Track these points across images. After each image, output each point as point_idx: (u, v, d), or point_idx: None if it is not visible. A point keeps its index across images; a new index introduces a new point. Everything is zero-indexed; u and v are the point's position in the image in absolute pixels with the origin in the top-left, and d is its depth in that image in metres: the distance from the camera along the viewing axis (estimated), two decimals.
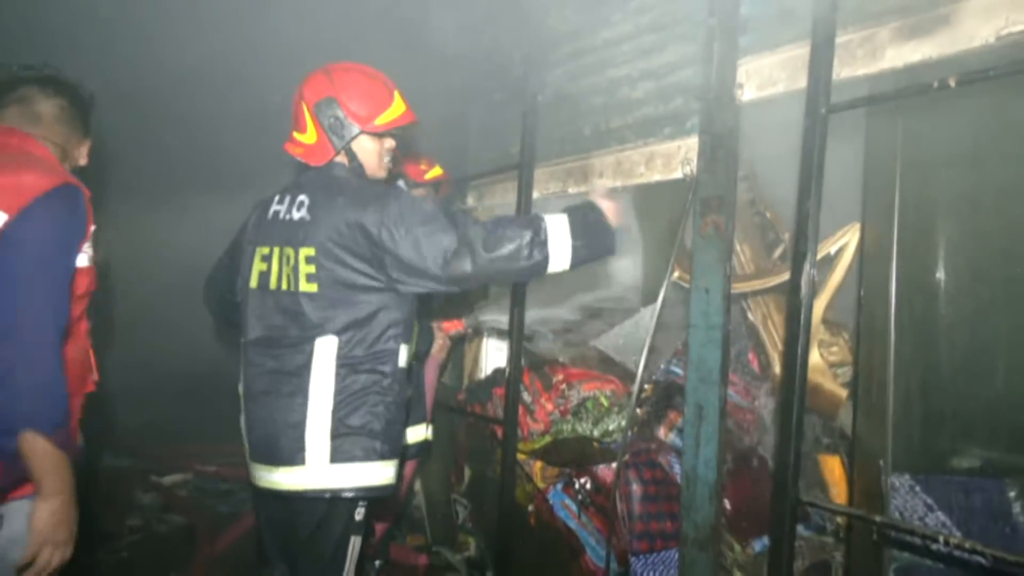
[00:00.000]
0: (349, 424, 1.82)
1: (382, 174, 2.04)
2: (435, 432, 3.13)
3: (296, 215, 1.90)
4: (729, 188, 2.47)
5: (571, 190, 3.29)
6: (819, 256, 2.54)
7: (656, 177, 2.86)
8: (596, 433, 3.06)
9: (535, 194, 3.18)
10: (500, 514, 3.01)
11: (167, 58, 3.52)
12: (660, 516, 2.81)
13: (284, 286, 1.88)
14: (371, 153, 1.98)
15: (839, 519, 2.39)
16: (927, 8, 2.00)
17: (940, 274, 2.29)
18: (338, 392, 1.82)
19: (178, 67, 3.56)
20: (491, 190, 3.86)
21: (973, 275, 2.12)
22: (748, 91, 2.47)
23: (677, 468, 2.81)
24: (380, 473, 1.88)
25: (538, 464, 3.13)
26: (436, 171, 3.11)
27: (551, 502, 2.98)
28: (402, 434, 2.00)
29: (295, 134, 1.99)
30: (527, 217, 1.89)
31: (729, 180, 2.47)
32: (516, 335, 2.94)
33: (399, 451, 1.96)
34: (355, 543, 1.89)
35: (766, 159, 2.73)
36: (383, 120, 1.94)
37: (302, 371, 1.83)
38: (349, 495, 1.83)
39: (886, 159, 2.21)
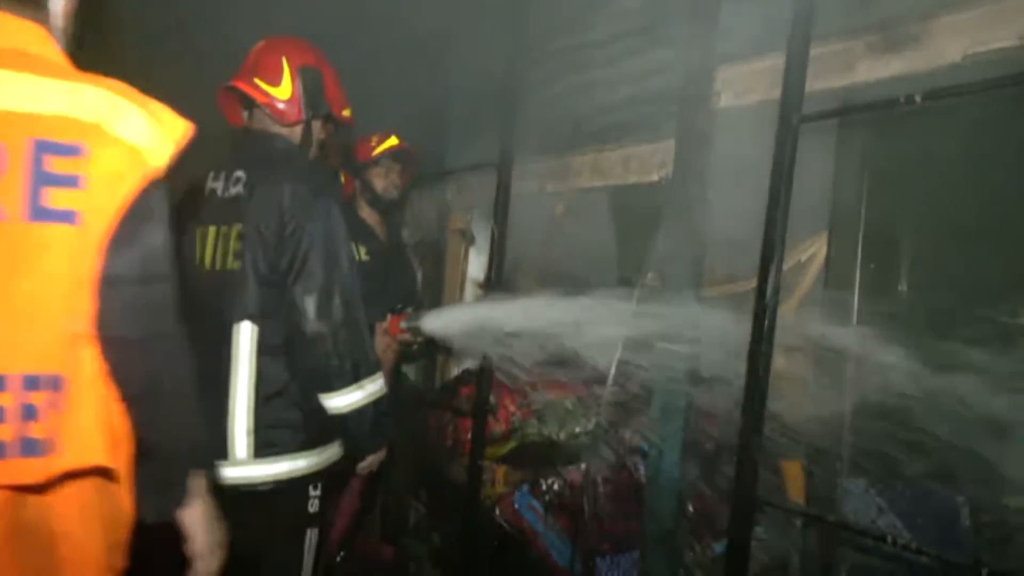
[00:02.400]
0: (271, 417, 1.82)
1: (335, 162, 2.18)
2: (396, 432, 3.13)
3: (232, 191, 1.87)
4: (702, 193, 2.51)
5: (549, 188, 3.31)
6: (790, 263, 2.60)
7: (632, 179, 2.89)
8: (562, 435, 3.10)
9: (513, 192, 3.20)
10: (466, 509, 3.03)
11: None
12: (626, 517, 2.84)
13: (218, 266, 1.86)
14: (316, 141, 2.01)
15: (797, 522, 2.44)
16: (899, 25, 2.05)
17: (902, 286, 2.36)
18: (258, 383, 1.82)
19: None
20: (469, 185, 3.87)
21: (934, 286, 2.18)
22: (724, 98, 2.51)
23: (642, 470, 2.85)
24: (306, 463, 1.86)
25: (502, 469, 3.15)
26: (390, 141, 3.05)
27: (516, 505, 3.00)
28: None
29: (262, 82, 1.94)
30: (369, 359, 1.89)
31: (703, 185, 2.51)
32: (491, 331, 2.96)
33: (329, 439, 1.94)
34: (311, 536, 1.88)
35: (738, 166, 2.78)
36: (347, 113, 2.06)
37: (224, 359, 1.82)
38: (277, 487, 1.82)
39: (854, 171, 2.26)
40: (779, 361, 2.45)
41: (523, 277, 3.38)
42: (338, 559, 3.16)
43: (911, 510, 2.06)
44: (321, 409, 1.87)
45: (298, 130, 1.97)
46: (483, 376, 2.96)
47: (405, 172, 3.19)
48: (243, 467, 1.81)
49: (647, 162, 2.82)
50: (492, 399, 3.26)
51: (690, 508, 2.74)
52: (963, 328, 2.07)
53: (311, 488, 1.90)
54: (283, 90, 1.91)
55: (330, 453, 1.96)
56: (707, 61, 2.51)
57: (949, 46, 1.96)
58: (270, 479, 1.81)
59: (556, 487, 3.00)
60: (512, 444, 3.16)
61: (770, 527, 2.66)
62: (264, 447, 1.81)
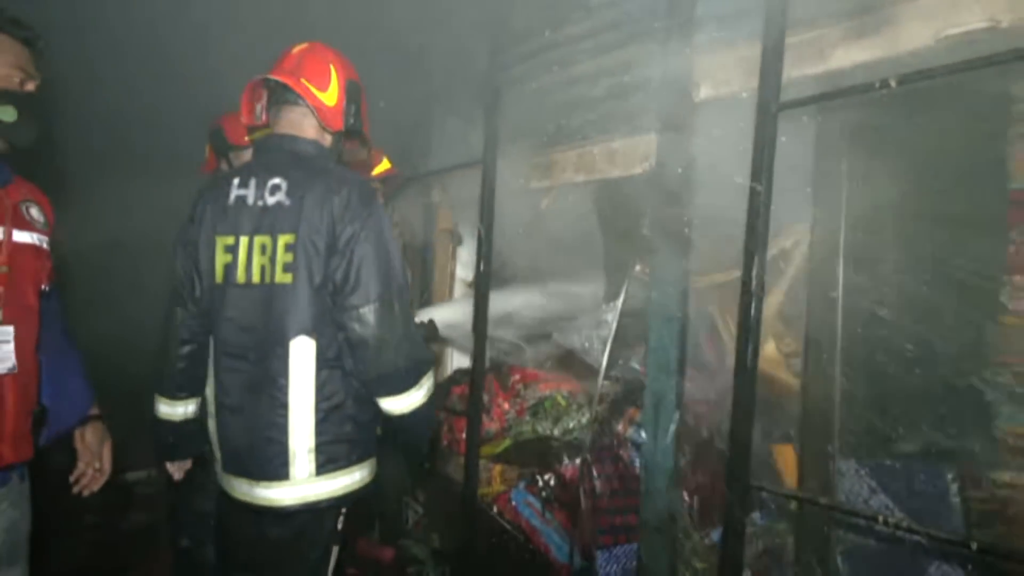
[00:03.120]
0: (331, 432, 1.77)
1: None
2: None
3: (271, 199, 1.77)
4: (686, 184, 2.53)
5: (534, 184, 3.32)
6: (776, 250, 2.63)
7: (616, 173, 2.90)
8: (557, 432, 3.12)
9: (499, 188, 3.22)
10: (464, 507, 3.04)
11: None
12: (623, 510, 2.86)
13: (257, 279, 1.77)
14: (338, 153, 2.02)
15: (792, 506, 2.47)
16: (873, 10, 2.07)
17: (886, 268, 2.38)
18: (319, 400, 1.75)
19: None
20: (456, 185, 3.88)
21: (917, 270, 2.20)
22: (704, 90, 2.52)
23: (638, 463, 2.87)
24: (360, 476, 1.85)
25: (498, 468, 3.16)
26: (384, 165, 3.03)
27: (514, 502, 3.01)
28: (374, 431, 1.94)
29: (309, 84, 1.87)
30: (427, 356, 1.87)
31: (686, 176, 2.53)
32: (480, 329, 2.98)
33: (374, 450, 1.92)
34: (335, 552, 1.86)
35: (720, 156, 2.80)
36: (367, 131, 2.07)
37: (279, 377, 1.74)
38: (333, 504, 1.79)
39: (834, 157, 2.28)
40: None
41: (511, 273, 3.39)
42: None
43: (901, 488, 2.09)
44: (371, 420, 1.86)
45: (330, 139, 1.94)
46: (476, 375, 2.97)
47: (387, 190, 3.20)
48: (303, 485, 1.76)
49: (630, 155, 2.84)
50: (486, 398, 3.27)
51: (686, 497, 2.77)
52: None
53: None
54: (330, 96, 1.90)
55: (375, 465, 1.94)
56: (686, 53, 2.53)
57: (922, 30, 1.98)
58: (332, 495, 1.78)
59: (552, 483, 3.02)
60: (507, 442, 3.18)
61: (768, 512, 2.69)
62: (326, 463, 1.76)
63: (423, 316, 2.14)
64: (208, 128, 2.72)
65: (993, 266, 1.97)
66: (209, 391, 1.91)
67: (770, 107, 2.06)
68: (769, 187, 2.04)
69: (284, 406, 1.73)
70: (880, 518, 1.75)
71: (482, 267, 3.01)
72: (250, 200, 1.79)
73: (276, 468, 1.74)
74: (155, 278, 2.36)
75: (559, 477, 3.01)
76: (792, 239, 2.52)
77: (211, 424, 1.91)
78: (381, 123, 3.43)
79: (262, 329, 1.75)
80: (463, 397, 3.18)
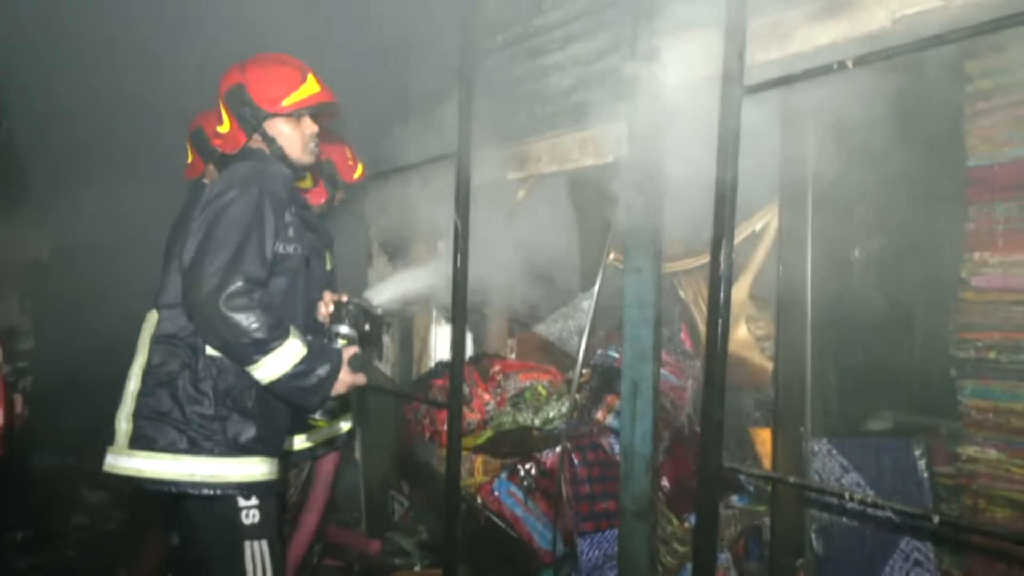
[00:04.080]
0: (150, 409, 1.82)
1: (307, 159, 2.02)
2: (376, 425, 3.14)
3: None
4: (657, 170, 2.54)
5: (509, 176, 3.33)
6: (745, 234, 2.65)
7: (589, 161, 2.92)
8: (537, 422, 3.13)
9: (474, 181, 3.22)
10: (447, 497, 3.05)
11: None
12: (604, 496, 2.89)
13: None
14: (290, 138, 1.97)
15: (769, 487, 2.50)
16: None
17: (855, 252, 2.41)
18: (146, 371, 1.84)
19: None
20: (432, 176, 3.88)
21: (881, 250, 2.22)
22: (672, 75, 2.54)
23: (618, 449, 2.90)
24: (192, 469, 1.77)
25: (480, 459, 3.18)
26: (359, 171, 3.05)
27: (496, 492, 3.03)
28: (233, 429, 1.83)
29: (216, 127, 2.01)
30: (276, 324, 1.74)
31: (656, 163, 2.54)
32: (459, 315, 2.98)
33: (229, 447, 1.80)
34: (254, 548, 1.81)
35: (689, 141, 2.82)
36: (292, 100, 1.93)
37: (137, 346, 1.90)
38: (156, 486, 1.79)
39: (799, 140, 2.30)
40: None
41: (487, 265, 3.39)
42: (315, 559, 3.18)
43: (871, 466, 2.12)
44: (219, 418, 1.84)
45: (260, 143, 2.00)
46: (455, 367, 2.98)
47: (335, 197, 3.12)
48: (119, 455, 1.85)
49: (602, 144, 2.85)
50: (467, 389, 3.29)
51: (665, 482, 2.79)
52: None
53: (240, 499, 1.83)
54: (224, 124, 1.98)
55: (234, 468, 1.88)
56: (653, 39, 2.54)
57: (879, 11, 2.00)
58: (153, 476, 1.83)
59: (534, 472, 3.04)
60: (488, 433, 3.19)
61: (746, 495, 2.72)
62: (139, 439, 1.84)
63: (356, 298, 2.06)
64: (188, 130, 2.69)
65: (954, 243, 1.99)
66: None
67: (734, 91, 2.07)
68: (734, 171, 2.05)
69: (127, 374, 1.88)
70: (847, 495, 1.76)
71: (459, 259, 3.01)
72: None
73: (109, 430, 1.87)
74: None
75: (540, 466, 3.03)
76: (762, 222, 2.54)
77: None
78: (357, 115, 3.45)
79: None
80: (444, 389, 3.19)
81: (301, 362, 1.76)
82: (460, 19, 3.13)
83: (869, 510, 1.96)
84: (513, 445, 3.12)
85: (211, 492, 1.77)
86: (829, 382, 2.25)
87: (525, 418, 3.16)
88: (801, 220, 2.28)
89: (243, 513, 1.81)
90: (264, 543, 1.82)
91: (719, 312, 2.03)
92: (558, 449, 2.95)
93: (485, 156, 3.36)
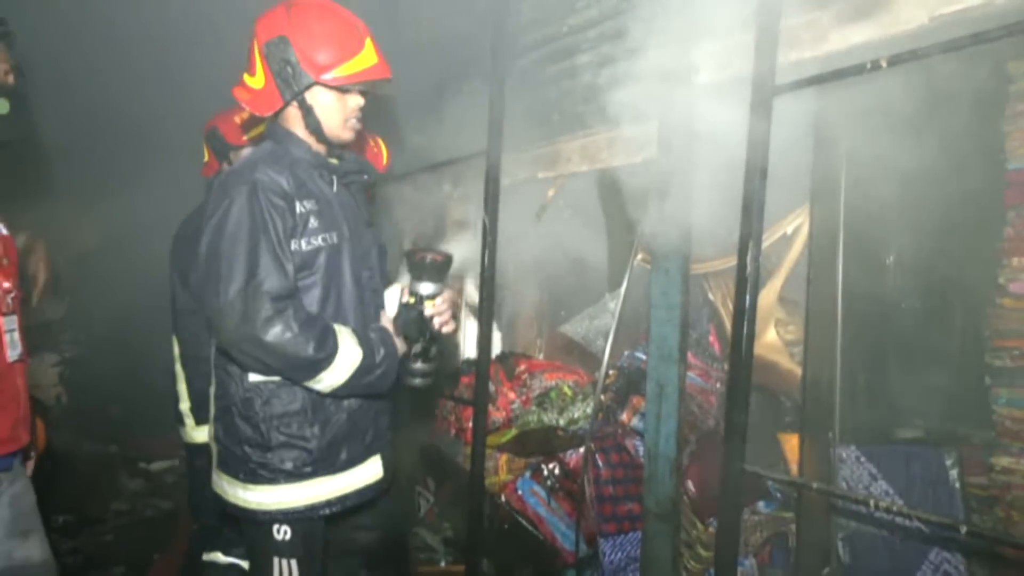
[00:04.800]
0: (222, 432, 1.72)
1: (347, 136, 1.73)
2: (402, 421, 3.15)
3: None
4: (686, 170, 2.52)
5: (540, 175, 3.33)
6: (775, 236, 2.61)
7: (619, 161, 2.91)
8: (562, 422, 3.13)
9: (504, 180, 3.24)
10: (471, 495, 3.07)
11: None
12: (627, 498, 2.88)
13: None
14: (331, 110, 1.67)
15: (795, 494, 2.46)
16: None
17: (889, 252, 2.36)
18: (215, 397, 1.74)
19: None
20: (465, 177, 3.91)
21: (916, 254, 2.17)
22: (704, 74, 2.51)
23: (642, 451, 2.88)
24: (257, 499, 1.67)
25: (504, 457, 3.19)
26: (255, 132, 2.64)
27: (520, 491, 3.04)
28: (288, 455, 1.68)
29: (245, 76, 1.70)
30: (322, 335, 1.57)
31: (686, 162, 2.52)
32: (486, 312, 3.00)
33: (287, 474, 1.66)
34: (281, 565, 1.69)
35: (720, 141, 2.79)
36: (344, 71, 1.62)
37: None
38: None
39: (833, 140, 2.26)
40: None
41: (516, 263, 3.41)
42: None
43: (901, 474, 2.07)
44: (276, 446, 1.71)
45: (295, 108, 1.71)
46: (481, 365, 3.00)
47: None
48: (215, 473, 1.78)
49: (632, 143, 2.84)
50: (492, 388, 3.30)
51: (691, 486, 2.77)
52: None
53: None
54: (258, 79, 1.67)
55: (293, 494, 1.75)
56: (685, 38, 2.52)
57: (916, 10, 1.95)
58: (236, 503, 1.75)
59: (557, 472, 3.04)
60: (513, 432, 3.20)
61: (772, 500, 2.68)
62: (222, 464, 1.78)
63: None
64: (203, 130, 2.72)
65: (991, 248, 1.94)
66: None
67: (765, 90, 2.04)
68: (763, 172, 2.02)
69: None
70: (872, 502, 1.73)
71: (487, 257, 3.03)
72: None
73: None
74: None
75: (564, 466, 3.03)
76: (793, 224, 2.50)
77: None
78: (393, 110, 3.49)
79: None
80: (470, 387, 3.21)
81: (359, 366, 1.61)
82: (493, 18, 3.15)
83: (897, 519, 1.92)
84: (537, 444, 3.13)
85: (273, 518, 1.68)
86: (858, 388, 2.20)
87: (550, 418, 3.16)
88: (833, 223, 2.24)
89: (276, 529, 1.70)
90: (290, 561, 1.70)
91: (744, 314, 2.01)
92: (582, 450, 2.95)
93: (516, 155, 3.37)
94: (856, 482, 2.15)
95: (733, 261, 2.77)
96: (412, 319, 1.76)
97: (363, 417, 1.76)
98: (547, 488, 3.02)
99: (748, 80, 2.21)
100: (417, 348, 1.77)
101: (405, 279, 1.83)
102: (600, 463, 2.90)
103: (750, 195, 2.05)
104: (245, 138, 2.51)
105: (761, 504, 2.67)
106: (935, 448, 2.06)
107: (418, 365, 1.78)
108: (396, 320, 1.79)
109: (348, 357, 1.60)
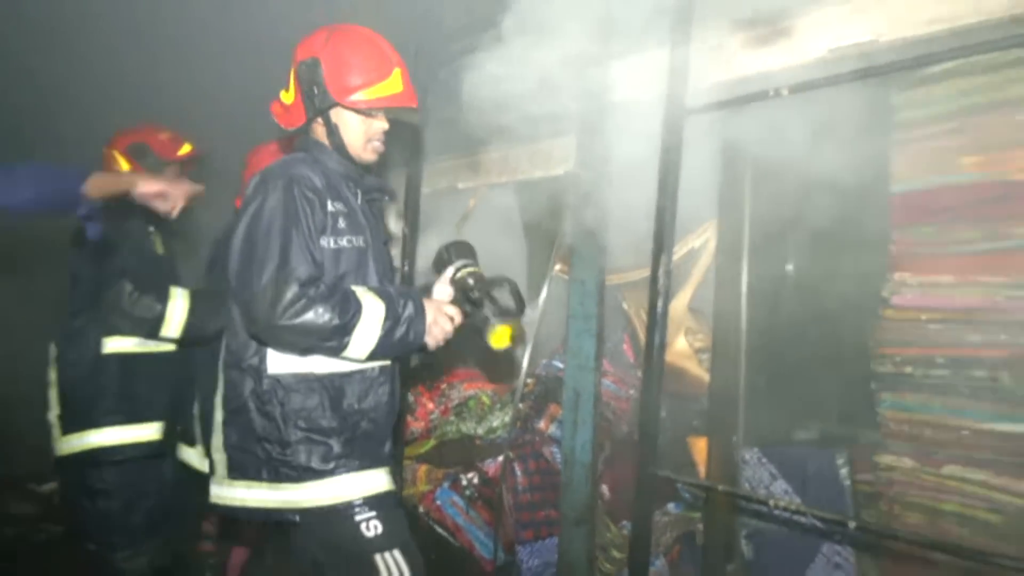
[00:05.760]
0: (236, 437, 1.70)
1: (368, 156, 1.80)
2: None
3: None
4: (603, 184, 2.61)
5: (460, 185, 3.36)
6: (685, 249, 2.73)
7: (539, 173, 2.97)
8: (480, 431, 3.16)
9: (425, 189, 3.24)
10: None
11: None
12: (545, 505, 2.92)
13: None
14: (354, 131, 1.75)
15: (702, 495, 2.57)
16: (771, 22, 2.19)
17: (789, 266, 2.51)
18: (225, 400, 1.72)
19: None
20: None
21: (812, 269, 2.33)
22: (620, 93, 2.61)
23: (559, 458, 2.94)
24: (287, 496, 1.66)
25: (423, 468, 3.17)
26: (186, 148, 2.61)
27: (439, 501, 3.03)
28: (314, 450, 1.68)
29: (282, 92, 1.81)
30: (344, 300, 1.59)
31: (603, 177, 2.61)
32: None
33: (314, 470, 1.66)
34: (388, 560, 1.66)
35: (635, 158, 2.91)
36: (366, 95, 1.71)
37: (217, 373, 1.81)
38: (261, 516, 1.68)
39: (739, 160, 2.39)
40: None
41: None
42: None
43: (798, 473, 2.21)
44: (296, 441, 1.71)
45: (320, 125, 1.80)
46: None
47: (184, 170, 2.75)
48: (222, 485, 1.73)
49: (551, 157, 2.91)
50: (410, 398, 3.28)
51: (605, 490, 2.85)
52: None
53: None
54: (290, 94, 1.78)
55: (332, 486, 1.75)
56: (603, 56, 2.61)
57: (816, 42, 2.11)
58: (253, 506, 1.71)
59: (476, 481, 3.05)
60: (431, 442, 3.20)
61: (682, 502, 2.79)
62: (234, 470, 1.74)
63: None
64: (117, 146, 2.49)
65: (878, 263, 2.11)
66: None
67: (677, 111, 2.15)
68: (674, 188, 2.12)
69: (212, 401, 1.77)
70: (772, 502, 1.84)
71: (406, 267, 3.02)
72: None
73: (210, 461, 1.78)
74: None
75: (482, 475, 3.05)
76: (702, 238, 2.63)
77: None
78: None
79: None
80: None
81: (386, 318, 1.61)
82: (415, 30, 3.16)
83: (795, 516, 2.05)
84: (456, 454, 3.13)
85: (308, 519, 1.66)
86: (761, 393, 2.34)
87: (469, 427, 3.18)
88: (738, 237, 2.37)
89: (363, 526, 1.67)
90: (396, 552, 1.68)
91: (656, 323, 2.10)
92: (500, 458, 2.98)
93: (437, 165, 3.38)
94: (758, 482, 2.28)
95: (646, 273, 2.89)
96: (460, 291, 1.84)
97: (383, 426, 1.78)
98: (466, 498, 3.03)
99: (662, 100, 2.32)
100: (480, 306, 1.83)
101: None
102: (518, 471, 2.93)
103: (662, 210, 2.14)
104: (179, 154, 2.54)
105: (671, 505, 2.78)
106: (828, 449, 2.21)
107: (490, 315, 1.81)
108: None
109: (372, 313, 1.61)
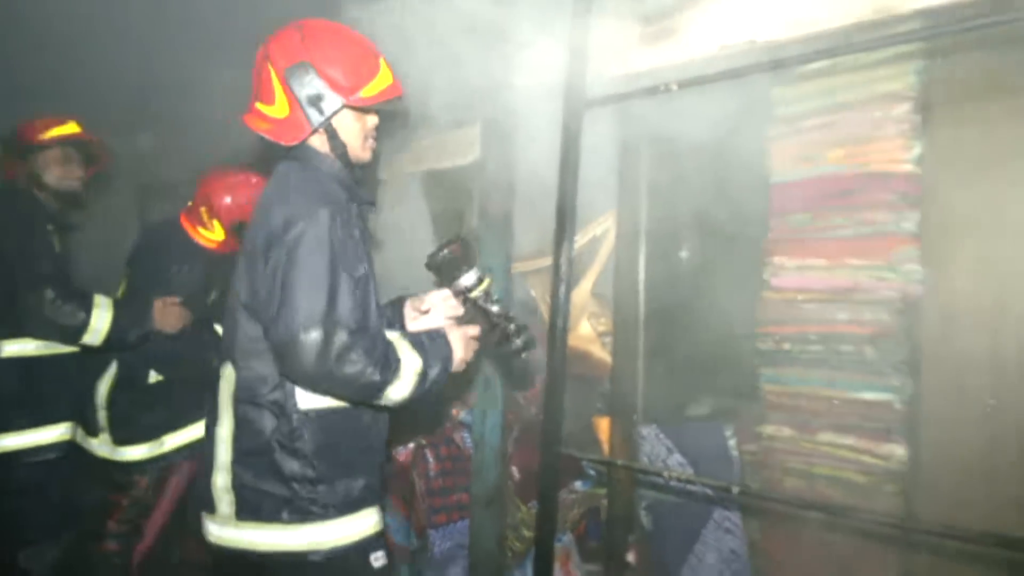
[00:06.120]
0: (248, 477, 1.57)
1: (366, 156, 1.72)
2: None
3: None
4: (508, 173, 2.68)
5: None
6: (587, 237, 2.84)
7: (447, 163, 3.00)
8: None
9: None
10: None
11: None
12: (456, 489, 2.98)
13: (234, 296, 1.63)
14: (353, 132, 1.66)
15: (605, 471, 2.69)
16: (662, 19, 2.30)
17: (683, 253, 2.66)
18: (236, 439, 1.58)
19: None
20: None
21: (702, 255, 2.48)
22: (523, 84, 2.67)
23: (470, 443, 3.00)
24: (306, 538, 1.56)
25: None
26: (69, 128, 2.52)
27: None
28: (340, 486, 1.60)
29: (259, 105, 1.64)
30: (383, 355, 1.51)
31: (508, 166, 2.67)
32: None
33: (338, 507, 1.59)
34: None
35: (539, 148, 2.98)
36: (368, 92, 1.61)
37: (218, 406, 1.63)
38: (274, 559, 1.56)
39: (636, 150, 2.51)
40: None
41: None
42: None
43: (691, 447, 2.36)
44: (316, 479, 1.62)
45: (321, 135, 1.66)
46: None
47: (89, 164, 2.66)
48: (228, 527, 1.59)
49: (458, 146, 2.94)
50: None
51: (515, 472, 2.93)
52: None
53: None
54: (279, 107, 1.62)
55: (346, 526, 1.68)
56: (506, 48, 2.66)
57: (706, 40, 2.24)
58: (266, 549, 1.60)
59: (387, 469, 3.07)
60: None
61: (589, 479, 2.91)
62: (244, 510, 1.61)
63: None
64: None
65: (758, 249, 2.27)
66: None
67: (576, 102, 2.22)
68: (575, 177, 2.20)
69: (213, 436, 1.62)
70: (667, 474, 1.97)
71: None
72: None
73: (207, 498, 1.62)
74: None
75: (394, 462, 3.07)
76: (603, 226, 2.74)
77: None
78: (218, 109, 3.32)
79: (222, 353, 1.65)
80: None
81: (422, 372, 1.55)
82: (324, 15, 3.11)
83: (687, 486, 2.19)
84: None
85: (331, 557, 1.57)
86: (658, 373, 2.47)
87: None
88: (636, 225, 2.49)
89: (372, 557, 1.62)
90: None
91: (559, 308, 2.18)
92: (412, 445, 3.01)
93: None
94: (656, 457, 2.41)
95: (550, 260, 2.98)
96: (475, 315, 1.73)
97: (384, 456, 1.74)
98: None
99: (564, 91, 2.40)
100: (499, 332, 1.72)
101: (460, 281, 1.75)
102: (430, 458, 2.97)
103: (563, 199, 2.22)
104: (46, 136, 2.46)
105: (578, 483, 2.90)
106: (717, 423, 2.37)
107: (516, 342, 1.70)
108: (462, 322, 1.76)
109: (410, 368, 1.54)
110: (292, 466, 1.54)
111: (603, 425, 2.89)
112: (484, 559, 2.74)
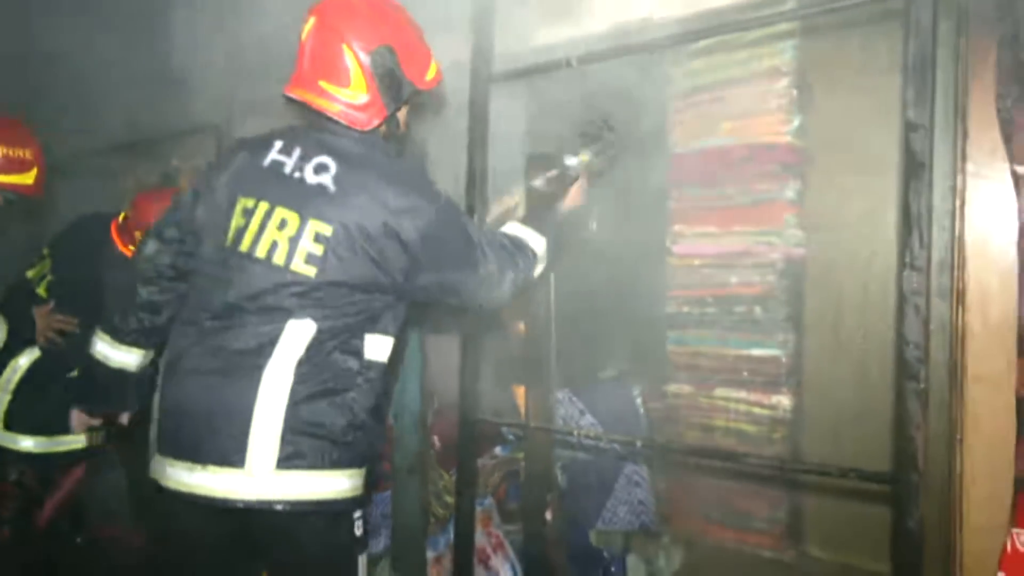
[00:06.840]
0: (303, 421, 1.49)
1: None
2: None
3: (312, 178, 1.54)
4: (423, 146, 2.70)
5: None
6: (502, 208, 2.90)
7: None
8: None
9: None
10: None
11: None
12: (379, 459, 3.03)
13: (263, 255, 1.52)
14: (404, 115, 1.73)
15: (522, 435, 2.80)
16: None
17: (593, 224, 2.76)
18: (298, 381, 1.49)
19: None
20: (193, 150, 3.70)
21: (610, 223, 2.59)
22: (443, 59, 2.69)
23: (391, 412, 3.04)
24: (334, 484, 1.53)
25: None
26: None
27: None
28: (372, 437, 1.63)
29: (329, 86, 1.56)
30: (512, 254, 1.68)
31: (419, 142, 2.69)
32: None
33: (365, 460, 1.61)
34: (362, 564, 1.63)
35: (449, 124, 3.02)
36: (431, 76, 1.69)
37: (264, 349, 1.49)
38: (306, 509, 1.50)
39: (544, 125, 2.57)
40: None
41: None
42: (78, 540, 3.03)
43: (602, 407, 2.49)
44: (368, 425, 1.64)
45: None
46: None
47: None
48: (259, 480, 1.48)
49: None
50: None
51: (436, 441, 3.00)
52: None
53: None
54: (356, 89, 1.56)
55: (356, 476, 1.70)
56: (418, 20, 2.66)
57: (603, 17, 2.31)
58: (299, 499, 1.54)
59: None
60: None
61: (508, 445, 3.01)
62: (290, 457, 1.51)
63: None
64: None
65: (661, 217, 2.39)
66: (167, 358, 1.62)
67: (482, 77, 2.27)
68: (484, 151, 2.26)
69: (257, 380, 1.48)
70: (578, 432, 2.08)
71: None
72: (287, 169, 1.57)
73: (228, 452, 1.47)
74: None
75: None
76: (516, 198, 2.81)
77: (156, 398, 1.62)
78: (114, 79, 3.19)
79: (257, 302, 1.52)
80: None
81: (547, 247, 1.79)
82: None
83: (600, 444, 2.31)
84: None
85: (342, 509, 1.56)
86: (571, 339, 2.58)
87: None
88: None
89: (356, 525, 1.60)
90: (366, 556, 1.64)
91: None
92: None
93: (249, 128, 3.26)
94: (570, 419, 2.53)
95: None
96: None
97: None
98: None
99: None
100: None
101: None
102: None
103: (472, 172, 2.27)
104: None
105: (499, 449, 2.99)
106: (627, 384, 2.51)
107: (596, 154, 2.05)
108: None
109: (537, 248, 1.76)
110: (353, 409, 1.54)
111: (521, 392, 3.00)
112: (407, 526, 2.82)
